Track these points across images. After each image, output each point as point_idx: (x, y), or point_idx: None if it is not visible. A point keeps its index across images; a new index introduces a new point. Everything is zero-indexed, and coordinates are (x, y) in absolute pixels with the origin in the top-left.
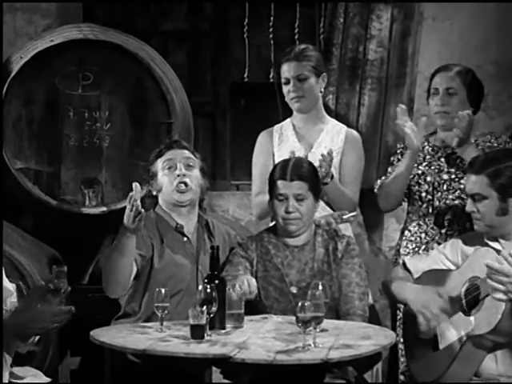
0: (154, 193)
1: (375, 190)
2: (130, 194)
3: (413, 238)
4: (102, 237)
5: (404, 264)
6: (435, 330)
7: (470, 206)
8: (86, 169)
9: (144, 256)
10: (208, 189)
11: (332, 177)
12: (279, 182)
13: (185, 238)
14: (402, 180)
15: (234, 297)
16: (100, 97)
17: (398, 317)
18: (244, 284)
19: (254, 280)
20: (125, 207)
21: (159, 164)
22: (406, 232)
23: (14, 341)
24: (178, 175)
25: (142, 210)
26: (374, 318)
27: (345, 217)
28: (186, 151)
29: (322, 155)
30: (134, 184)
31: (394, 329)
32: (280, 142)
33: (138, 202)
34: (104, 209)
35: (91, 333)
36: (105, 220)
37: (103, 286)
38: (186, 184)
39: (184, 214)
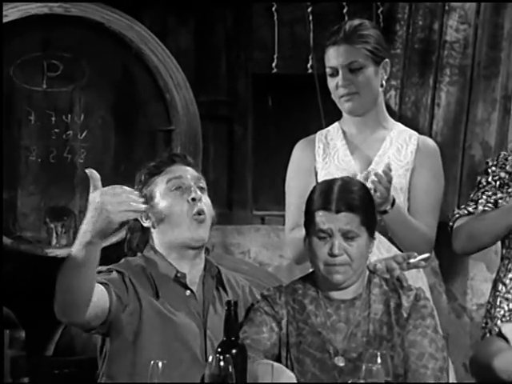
0: (147, 224)
1: (450, 224)
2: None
3: (509, 296)
4: None
5: (499, 331)
6: None
7: None
8: (52, 194)
9: (120, 298)
10: (215, 223)
11: (393, 203)
12: (320, 214)
13: (187, 292)
14: (496, 231)
15: None
16: (72, 94)
17: None
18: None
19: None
20: (106, 247)
21: (160, 183)
22: (500, 286)
23: None
24: (194, 199)
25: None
26: None
27: (413, 260)
28: (192, 169)
29: (376, 174)
30: (88, 171)
31: None
32: (325, 156)
33: (141, 206)
34: None
35: None
36: None
37: (55, 309)
38: (202, 213)
39: (189, 257)
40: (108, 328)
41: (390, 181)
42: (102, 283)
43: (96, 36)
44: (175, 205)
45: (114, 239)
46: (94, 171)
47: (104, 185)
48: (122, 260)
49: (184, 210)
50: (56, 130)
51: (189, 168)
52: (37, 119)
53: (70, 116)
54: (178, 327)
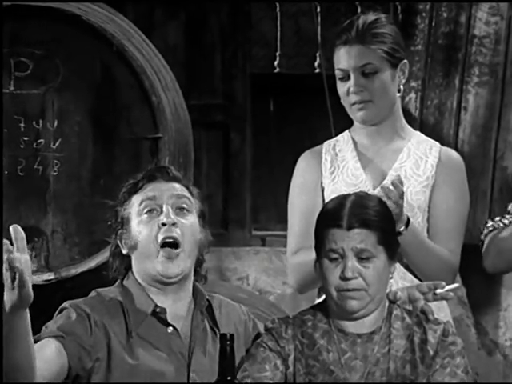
0: (125, 251)
1: (482, 238)
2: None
3: None
4: (44, 321)
5: None
6: None
7: None
8: (21, 212)
9: (88, 351)
10: (210, 246)
11: (407, 223)
12: (331, 232)
13: (169, 329)
14: None
15: None
16: (44, 97)
17: None
18: None
19: None
20: (83, 273)
21: (135, 204)
22: None
23: None
24: (164, 224)
25: (27, 278)
26: None
27: (440, 291)
28: (178, 185)
29: (383, 187)
30: (12, 228)
31: None
32: (333, 170)
33: (20, 267)
34: (50, 276)
35: None
36: (51, 294)
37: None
38: (175, 242)
39: (170, 290)
40: (74, 380)
41: (401, 195)
42: (56, 336)
43: (72, 30)
44: (143, 230)
45: (92, 264)
46: (19, 228)
47: (80, 201)
48: (93, 293)
49: (152, 236)
50: (25, 138)
51: (170, 185)
52: (3, 125)
53: (41, 122)
54: (154, 374)
